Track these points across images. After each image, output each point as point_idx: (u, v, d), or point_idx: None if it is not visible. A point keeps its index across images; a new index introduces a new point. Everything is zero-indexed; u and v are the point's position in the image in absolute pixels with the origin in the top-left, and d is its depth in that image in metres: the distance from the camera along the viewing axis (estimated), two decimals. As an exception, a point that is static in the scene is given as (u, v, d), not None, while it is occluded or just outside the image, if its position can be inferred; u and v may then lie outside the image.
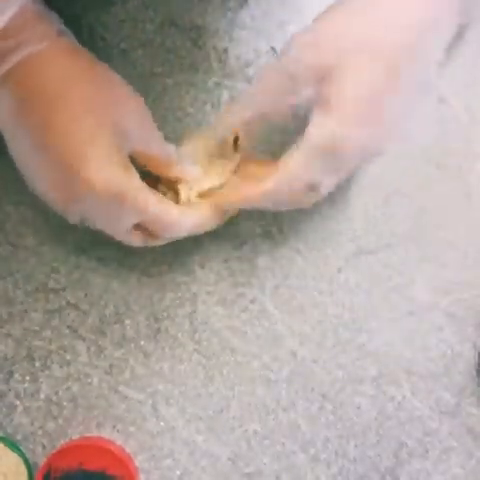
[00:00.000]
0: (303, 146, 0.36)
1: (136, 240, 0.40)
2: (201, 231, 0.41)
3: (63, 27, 0.37)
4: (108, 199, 0.35)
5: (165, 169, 0.40)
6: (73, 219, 0.39)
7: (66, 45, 0.36)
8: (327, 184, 0.38)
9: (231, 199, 0.40)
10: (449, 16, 0.36)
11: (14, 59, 0.34)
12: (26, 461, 0.44)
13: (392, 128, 0.37)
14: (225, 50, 0.47)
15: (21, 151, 0.37)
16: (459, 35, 0.38)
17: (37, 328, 0.45)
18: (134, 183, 0.37)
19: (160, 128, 0.46)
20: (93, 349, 0.45)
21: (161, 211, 0.38)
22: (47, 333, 0.45)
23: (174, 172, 0.40)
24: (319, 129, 0.36)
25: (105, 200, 0.35)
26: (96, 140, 0.35)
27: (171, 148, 0.40)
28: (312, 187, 0.37)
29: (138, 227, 0.39)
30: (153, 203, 0.37)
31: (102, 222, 0.38)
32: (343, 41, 0.36)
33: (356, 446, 0.46)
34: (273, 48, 0.47)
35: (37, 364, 0.45)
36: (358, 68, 0.35)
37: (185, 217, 0.39)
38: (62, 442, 0.45)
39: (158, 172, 0.40)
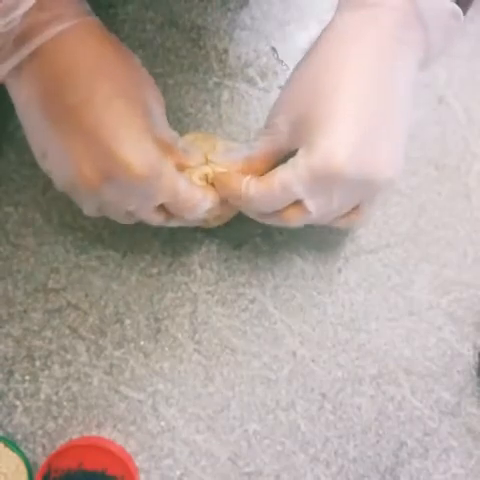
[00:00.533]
0: (293, 162, 0.36)
1: (159, 219, 0.39)
2: (212, 216, 0.42)
3: (89, 7, 0.36)
4: (145, 179, 0.35)
5: (170, 153, 0.39)
6: (90, 209, 0.38)
7: (96, 24, 0.36)
8: (314, 206, 0.37)
9: (222, 188, 0.40)
10: (413, 43, 0.36)
11: (48, 33, 0.33)
12: (26, 461, 0.44)
13: (383, 158, 0.36)
14: (225, 50, 0.47)
15: (45, 135, 0.36)
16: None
17: (37, 328, 0.45)
18: (167, 164, 0.36)
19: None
20: (93, 349, 0.45)
21: (189, 193, 0.38)
22: (47, 333, 0.45)
23: (178, 156, 0.40)
24: (309, 150, 0.35)
25: (142, 179, 0.35)
26: (131, 121, 0.35)
27: (175, 133, 0.40)
28: (297, 203, 0.37)
29: (160, 206, 0.39)
30: (183, 185, 0.37)
31: (130, 201, 0.37)
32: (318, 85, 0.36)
33: (356, 446, 0.46)
34: (273, 48, 0.47)
35: (37, 364, 0.45)
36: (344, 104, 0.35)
37: (206, 199, 0.39)
38: (62, 442, 0.45)
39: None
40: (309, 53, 0.37)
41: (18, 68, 0.34)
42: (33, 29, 0.33)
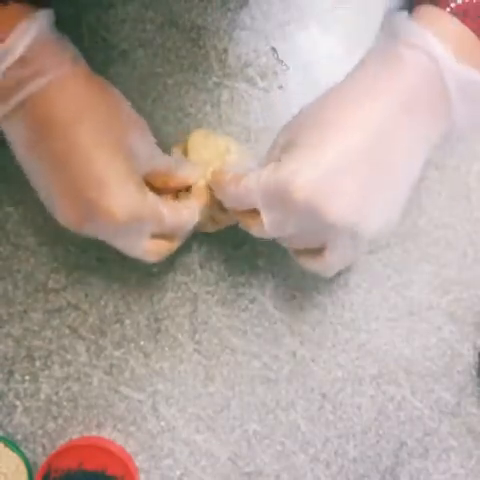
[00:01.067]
0: (260, 172, 0.36)
1: (152, 257, 0.40)
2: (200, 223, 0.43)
3: (76, 52, 0.37)
4: (127, 223, 0.36)
5: (170, 181, 0.41)
6: (87, 234, 0.39)
7: (81, 72, 0.37)
8: (268, 221, 0.37)
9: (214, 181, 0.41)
10: (434, 115, 0.35)
11: (31, 87, 0.34)
12: (26, 461, 0.44)
13: (345, 204, 0.34)
14: (225, 50, 0.47)
15: (37, 176, 0.38)
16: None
17: (37, 328, 0.45)
18: (149, 200, 0.38)
19: (160, 128, 0.46)
20: (93, 349, 0.46)
21: (175, 216, 0.40)
22: (47, 333, 0.45)
23: (178, 181, 0.41)
24: (276, 166, 0.35)
25: (124, 225, 0.36)
26: (113, 166, 0.36)
27: (170, 159, 0.42)
28: (257, 212, 0.37)
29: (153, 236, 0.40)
30: (167, 213, 0.39)
31: (119, 242, 0.39)
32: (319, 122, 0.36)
33: (356, 446, 0.46)
34: (273, 48, 0.47)
35: (37, 364, 0.45)
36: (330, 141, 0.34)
37: (193, 213, 0.41)
38: (62, 442, 0.45)
39: (164, 185, 0.41)
40: (329, 90, 0.37)
41: (6, 116, 0.35)
42: (17, 84, 0.34)
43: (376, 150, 0.34)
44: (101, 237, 0.39)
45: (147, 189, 0.39)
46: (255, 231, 0.39)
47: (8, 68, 0.33)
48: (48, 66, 0.34)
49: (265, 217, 0.37)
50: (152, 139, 0.41)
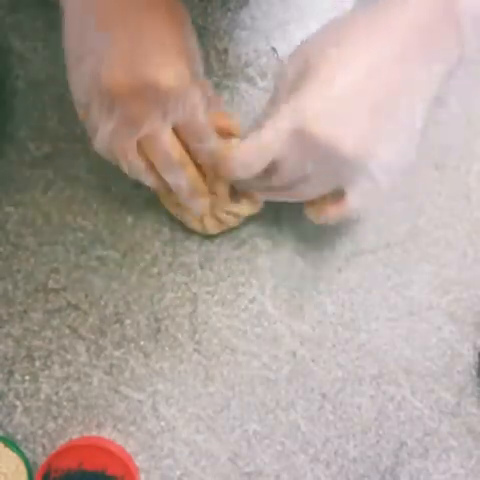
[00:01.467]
0: (274, 118, 0.37)
1: (171, 149, 0.39)
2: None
3: None
4: (174, 90, 0.36)
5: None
6: (102, 133, 0.38)
7: None
8: (288, 167, 0.38)
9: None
10: (444, 49, 0.36)
11: None
12: (26, 461, 0.44)
13: (366, 138, 0.36)
14: (225, 50, 0.47)
15: (88, 38, 0.37)
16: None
17: (37, 328, 0.46)
18: (195, 92, 0.38)
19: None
20: (93, 349, 0.46)
21: (203, 123, 0.39)
22: (47, 333, 0.46)
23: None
24: (294, 107, 0.36)
25: (172, 91, 0.36)
26: (170, 44, 0.37)
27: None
28: (274, 165, 0.38)
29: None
30: (202, 114, 0.39)
31: (149, 116, 0.37)
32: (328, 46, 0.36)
33: (356, 446, 0.46)
34: (273, 48, 0.47)
35: (37, 364, 0.45)
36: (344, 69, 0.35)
37: (211, 135, 0.40)
38: (62, 442, 0.45)
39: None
40: (346, 16, 0.38)
41: None
42: None
43: (385, 82, 0.35)
44: (136, 110, 0.37)
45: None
46: (268, 192, 0.41)
47: None
48: None
49: (286, 164, 0.37)
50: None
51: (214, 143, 0.40)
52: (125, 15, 0.36)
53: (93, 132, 0.39)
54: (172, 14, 0.37)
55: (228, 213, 0.44)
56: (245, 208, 0.44)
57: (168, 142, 0.38)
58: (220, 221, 0.44)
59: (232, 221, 0.45)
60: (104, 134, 0.38)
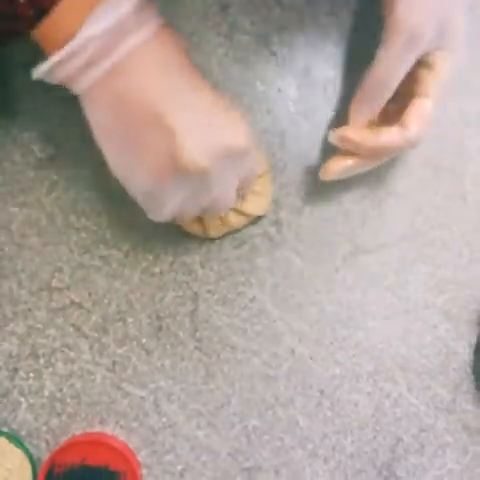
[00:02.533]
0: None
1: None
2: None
3: (160, 16, 0.36)
4: (247, 148, 0.37)
5: None
6: (169, 209, 0.38)
7: (168, 37, 0.36)
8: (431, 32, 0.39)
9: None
10: None
11: (121, 51, 0.33)
12: (30, 457, 0.44)
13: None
14: (226, 54, 0.47)
15: (122, 143, 0.36)
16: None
17: (41, 326, 0.46)
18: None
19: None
20: (96, 347, 0.46)
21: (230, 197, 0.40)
22: (51, 331, 0.46)
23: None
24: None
25: (245, 149, 0.37)
26: (223, 105, 0.37)
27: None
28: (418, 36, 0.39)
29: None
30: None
31: (201, 195, 0.38)
32: None
33: (353, 442, 0.47)
34: (273, 52, 0.47)
35: (41, 361, 0.46)
36: None
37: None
38: (65, 438, 0.45)
39: None
40: None
41: (100, 81, 0.34)
42: (103, 51, 0.33)
43: None
44: (185, 192, 0.37)
45: None
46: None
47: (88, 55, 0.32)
48: (138, 32, 0.34)
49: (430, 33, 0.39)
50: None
51: None
52: (173, 99, 0.35)
53: (155, 207, 0.39)
54: (200, 76, 0.37)
55: (234, 211, 0.44)
56: (251, 206, 0.44)
57: (233, 195, 0.40)
58: (223, 222, 0.44)
59: (236, 221, 0.45)
60: (172, 206, 0.38)
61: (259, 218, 0.47)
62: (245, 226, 0.46)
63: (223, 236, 0.46)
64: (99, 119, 0.36)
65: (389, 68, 0.40)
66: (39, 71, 0.34)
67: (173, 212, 0.39)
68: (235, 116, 0.37)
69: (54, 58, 0.33)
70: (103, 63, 0.33)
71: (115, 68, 0.34)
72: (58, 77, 0.34)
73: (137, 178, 0.37)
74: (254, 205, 0.44)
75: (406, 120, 0.42)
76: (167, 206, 0.38)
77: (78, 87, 0.35)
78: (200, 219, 0.44)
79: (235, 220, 0.45)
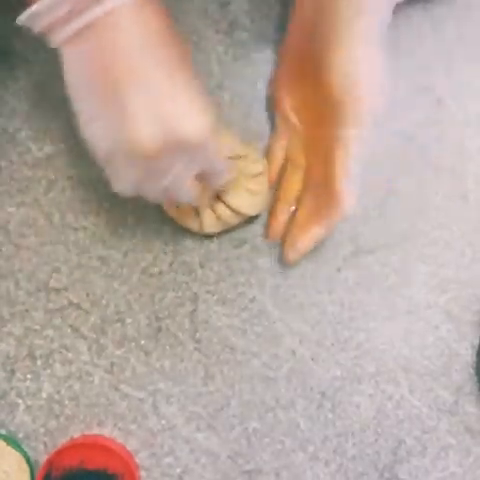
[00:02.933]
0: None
1: (192, 193, 0.40)
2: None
3: None
4: (203, 141, 0.36)
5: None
6: (127, 184, 0.38)
7: (154, 8, 0.36)
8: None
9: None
10: None
11: (98, 10, 0.33)
12: (28, 459, 0.44)
13: None
14: (226, 52, 0.47)
15: (100, 100, 0.36)
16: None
17: (39, 327, 0.46)
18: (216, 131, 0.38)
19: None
20: (94, 348, 0.46)
21: (224, 165, 0.40)
22: (49, 332, 0.46)
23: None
24: None
25: (200, 142, 0.36)
26: (192, 89, 0.36)
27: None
28: None
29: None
30: (223, 156, 0.40)
31: (176, 168, 0.37)
32: None
33: (355, 444, 0.47)
34: (274, 50, 0.47)
35: (39, 363, 0.46)
36: None
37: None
38: (63, 440, 0.45)
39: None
40: None
41: (69, 41, 0.34)
42: (80, 9, 0.33)
43: None
44: (162, 165, 0.37)
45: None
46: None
47: None
48: None
49: None
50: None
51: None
52: (140, 73, 0.35)
53: (113, 178, 0.38)
54: (180, 57, 0.37)
55: (228, 208, 0.44)
56: (245, 205, 0.44)
57: (190, 186, 0.39)
58: (219, 218, 0.44)
59: (230, 218, 0.44)
60: (127, 183, 0.38)
61: (255, 217, 0.46)
62: (241, 224, 0.46)
63: (220, 234, 0.46)
64: (72, 73, 0.36)
65: None
66: (24, 16, 0.34)
67: (130, 188, 0.38)
68: (199, 107, 0.36)
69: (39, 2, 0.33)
70: (83, 16, 0.33)
71: (94, 24, 0.34)
72: (41, 24, 0.34)
73: (97, 141, 0.37)
74: (248, 204, 0.44)
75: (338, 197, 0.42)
76: (121, 179, 0.38)
77: (56, 39, 0.35)
78: (196, 213, 0.44)
79: (229, 218, 0.44)
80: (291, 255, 0.45)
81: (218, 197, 0.43)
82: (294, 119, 0.46)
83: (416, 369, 0.47)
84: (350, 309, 0.47)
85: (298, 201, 0.46)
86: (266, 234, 0.47)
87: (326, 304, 0.47)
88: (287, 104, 0.46)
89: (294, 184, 0.46)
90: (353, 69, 0.40)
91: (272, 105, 0.47)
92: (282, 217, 0.46)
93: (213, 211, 0.44)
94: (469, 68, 0.49)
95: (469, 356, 0.48)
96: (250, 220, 0.46)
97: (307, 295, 0.47)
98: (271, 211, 0.47)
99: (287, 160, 0.47)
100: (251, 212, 0.45)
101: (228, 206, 0.44)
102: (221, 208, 0.44)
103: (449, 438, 0.47)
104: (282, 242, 0.46)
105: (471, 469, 0.47)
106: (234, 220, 0.45)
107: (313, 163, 0.45)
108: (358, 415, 0.47)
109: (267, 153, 0.47)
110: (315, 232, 0.44)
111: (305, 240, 0.44)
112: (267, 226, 0.47)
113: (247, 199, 0.44)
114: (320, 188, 0.44)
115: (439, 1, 0.49)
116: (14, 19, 0.35)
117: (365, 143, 0.41)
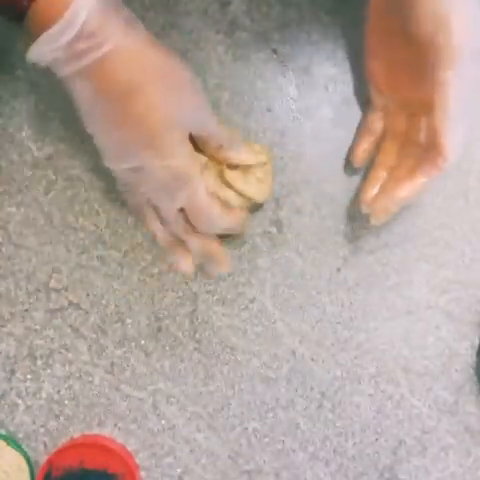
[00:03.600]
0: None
1: (179, 225, 0.42)
2: (232, 232, 0.45)
3: (132, 16, 0.38)
4: (176, 179, 0.39)
5: (216, 150, 0.42)
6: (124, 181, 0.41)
7: (139, 38, 0.37)
8: None
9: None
10: None
11: (94, 56, 0.35)
12: (28, 459, 0.44)
13: None
14: (226, 52, 0.47)
15: (97, 130, 0.39)
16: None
17: (39, 327, 0.46)
18: (196, 171, 0.40)
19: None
20: (94, 348, 0.46)
21: (208, 203, 0.41)
22: (49, 332, 0.46)
23: (225, 156, 0.42)
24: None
25: (174, 179, 0.39)
26: (173, 127, 0.38)
27: (224, 132, 0.42)
28: None
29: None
30: (203, 195, 0.40)
31: (157, 196, 0.40)
32: None
33: (355, 444, 0.47)
34: (274, 50, 0.47)
35: (39, 363, 0.46)
36: None
37: (222, 218, 0.42)
38: (63, 440, 0.45)
39: (209, 152, 0.42)
40: None
41: (69, 78, 0.37)
42: (77, 55, 0.35)
43: None
44: (143, 189, 0.40)
45: (198, 159, 0.41)
46: None
47: (68, 42, 0.34)
48: (108, 36, 0.35)
49: None
50: (206, 102, 0.41)
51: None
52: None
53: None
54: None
55: (235, 193, 0.43)
56: (252, 190, 0.44)
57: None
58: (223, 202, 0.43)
59: (236, 203, 0.44)
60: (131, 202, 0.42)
61: (260, 206, 0.46)
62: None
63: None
64: (83, 99, 0.38)
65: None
66: (34, 49, 0.35)
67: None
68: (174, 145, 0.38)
69: (50, 31, 0.34)
70: (91, 54, 0.35)
71: (101, 59, 0.36)
72: (49, 57, 0.36)
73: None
74: (255, 190, 0.44)
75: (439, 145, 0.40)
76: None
77: (64, 71, 0.36)
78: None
79: (236, 202, 0.44)
80: (387, 205, 0.42)
81: (227, 184, 0.43)
82: (389, 89, 0.44)
83: (416, 369, 0.47)
84: (350, 309, 0.47)
85: (394, 167, 0.44)
86: (361, 198, 0.45)
87: (326, 304, 0.47)
88: (380, 74, 0.44)
89: (392, 155, 0.45)
90: (440, 5, 0.37)
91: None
92: (377, 182, 0.45)
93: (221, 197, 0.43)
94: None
95: (469, 356, 0.48)
96: (254, 208, 0.46)
97: (307, 295, 0.47)
98: (367, 177, 0.45)
99: (386, 132, 0.46)
100: (256, 198, 0.44)
101: (237, 192, 0.43)
102: (230, 194, 0.43)
103: (449, 438, 0.47)
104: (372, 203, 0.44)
105: (471, 469, 0.47)
106: (239, 205, 0.44)
107: (413, 125, 0.43)
108: (358, 415, 0.47)
109: (363, 126, 0.46)
110: (417, 183, 0.41)
111: (403, 191, 0.41)
112: (362, 191, 0.45)
113: (253, 185, 0.44)
114: (420, 149, 0.42)
115: None
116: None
117: (465, 83, 0.39)
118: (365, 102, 0.47)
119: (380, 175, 0.44)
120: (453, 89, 0.38)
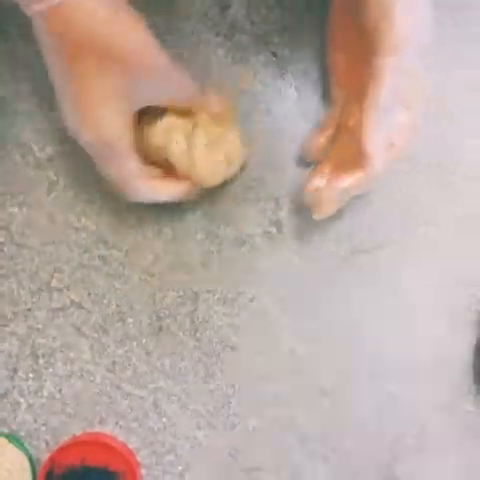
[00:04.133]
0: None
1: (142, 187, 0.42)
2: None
3: None
4: (100, 148, 0.39)
5: (191, 99, 0.42)
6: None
7: (115, 4, 0.36)
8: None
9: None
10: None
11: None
12: (30, 457, 0.44)
13: None
14: (226, 55, 0.47)
15: (53, 75, 0.39)
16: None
17: (41, 326, 0.46)
18: (126, 146, 0.40)
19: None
20: (96, 347, 0.46)
21: (133, 181, 0.41)
22: (51, 331, 0.46)
23: (199, 100, 0.42)
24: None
25: (99, 148, 0.39)
26: (109, 102, 0.38)
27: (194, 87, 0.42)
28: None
29: None
30: (131, 169, 0.41)
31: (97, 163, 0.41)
32: None
33: (354, 443, 0.47)
34: (273, 53, 0.47)
35: (41, 362, 0.46)
36: None
37: (154, 190, 0.42)
38: (65, 438, 0.45)
39: (183, 105, 0.42)
40: None
41: (32, 16, 0.36)
42: None
43: None
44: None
45: (129, 134, 0.40)
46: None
47: None
48: None
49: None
50: (162, 55, 0.40)
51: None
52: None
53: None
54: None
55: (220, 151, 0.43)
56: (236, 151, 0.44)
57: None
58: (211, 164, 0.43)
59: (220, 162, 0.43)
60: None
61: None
62: (243, 223, 0.46)
63: (220, 232, 0.46)
64: (45, 40, 0.37)
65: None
66: None
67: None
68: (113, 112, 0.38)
69: None
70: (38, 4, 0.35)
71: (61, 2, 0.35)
72: None
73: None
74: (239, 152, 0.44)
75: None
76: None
77: (33, 10, 0.36)
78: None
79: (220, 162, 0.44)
80: (329, 196, 0.41)
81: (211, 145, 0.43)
82: (346, 83, 0.44)
83: (414, 368, 0.47)
84: (349, 308, 0.47)
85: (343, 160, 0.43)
86: (304, 188, 0.44)
87: (325, 303, 0.47)
88: (340, 68, 0.44)
89: (344, 148, 0.43)
90: None
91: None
92: (324, 174, 0.43)
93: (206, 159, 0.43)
94: (469, 65, 0.48)
95: (467, 355, 0.48)
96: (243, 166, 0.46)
97: (306, 294, 0.47)
98: (315, 168, 0.44)
99: (341, 126, 0.45)
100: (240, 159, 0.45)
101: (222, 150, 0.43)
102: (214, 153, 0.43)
103: (447, 437, 0.47)
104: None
105: (468, 468, 0.47)
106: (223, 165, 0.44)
107: (352, 109, 0.42)
108: (357, 413, 0.47)
109: (320, 120, 0.46)
110: (355, 176, 0.40)
111: (343, 183, 0.40)
112: (307, 181, 0.44)
113: (239, 148, 0.44)
114: (349, 137, 0.41)
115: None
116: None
117: (402, 75, 0.37)
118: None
119: (328, 168, 0.43)
120: (389, 77, 0.37)
